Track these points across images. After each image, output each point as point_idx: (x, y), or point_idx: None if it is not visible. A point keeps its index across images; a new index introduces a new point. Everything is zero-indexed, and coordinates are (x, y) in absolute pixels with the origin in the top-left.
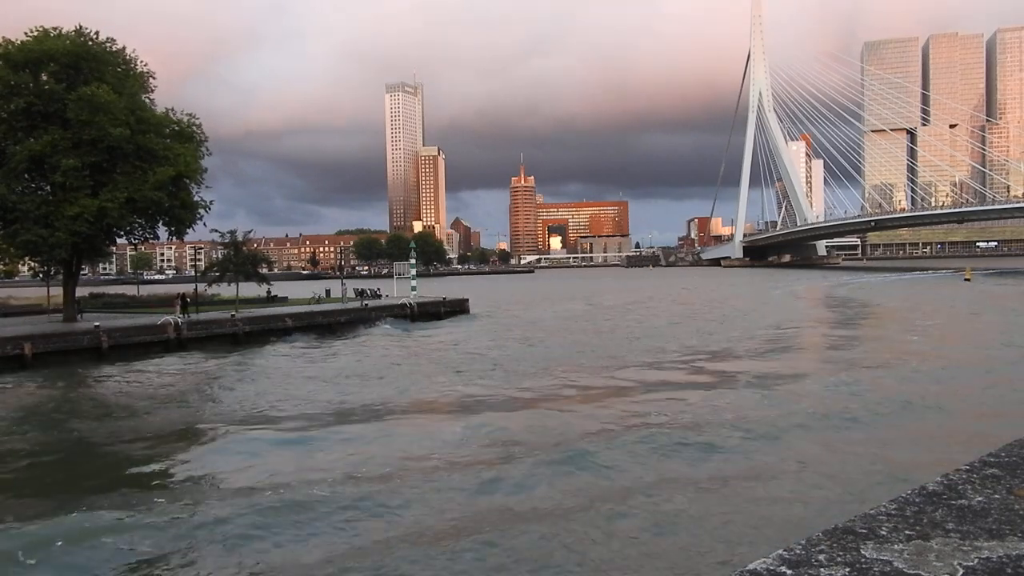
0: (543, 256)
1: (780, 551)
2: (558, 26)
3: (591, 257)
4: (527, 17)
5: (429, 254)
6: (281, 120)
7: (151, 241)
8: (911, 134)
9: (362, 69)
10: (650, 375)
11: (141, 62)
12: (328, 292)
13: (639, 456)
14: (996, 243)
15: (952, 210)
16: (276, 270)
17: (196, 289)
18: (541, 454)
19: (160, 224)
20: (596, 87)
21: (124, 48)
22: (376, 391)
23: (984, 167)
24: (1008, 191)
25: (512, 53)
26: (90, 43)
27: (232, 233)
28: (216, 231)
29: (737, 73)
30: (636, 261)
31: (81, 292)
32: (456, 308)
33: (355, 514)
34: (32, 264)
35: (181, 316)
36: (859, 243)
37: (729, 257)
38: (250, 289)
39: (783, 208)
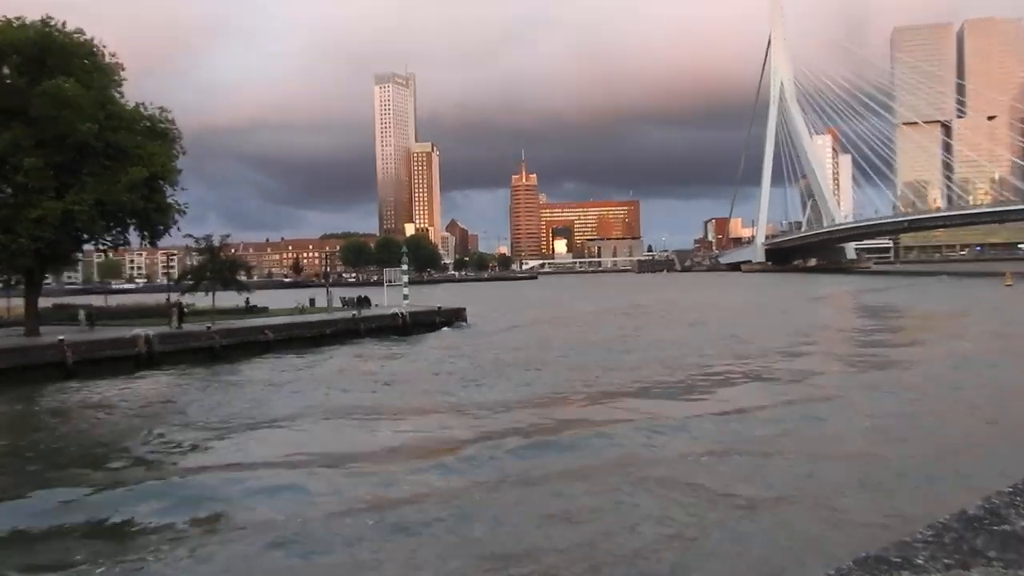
0: (547, 261)
1: None
2: (539, 12)
3: (599, 262)
4: (505, 3)
5: (422, 259)
6: (250, 116)
7: (122, 247)
8: (946, 127)
9: (336, 61)
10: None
11: (109, 52)
12: (312, 301)
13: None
14: None
15: (992, 209)
16: (256, 277)
17: (168, 299)
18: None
19: (132, 228)
20: (585, 80)
21: (92, 39)
22: (370, 415)
23: None
24: None
25: (491, 43)
26: (56, 33)
27: (208, 238)
28: (190, 236)
29: (750, 62)
30: (648, 266)
31: (44, 303)
32: (452, 318)
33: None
34: None
35: (178, 326)
36: (891, 245)
37: (750, 261)
38: (228, 299)
39: (808, 208)
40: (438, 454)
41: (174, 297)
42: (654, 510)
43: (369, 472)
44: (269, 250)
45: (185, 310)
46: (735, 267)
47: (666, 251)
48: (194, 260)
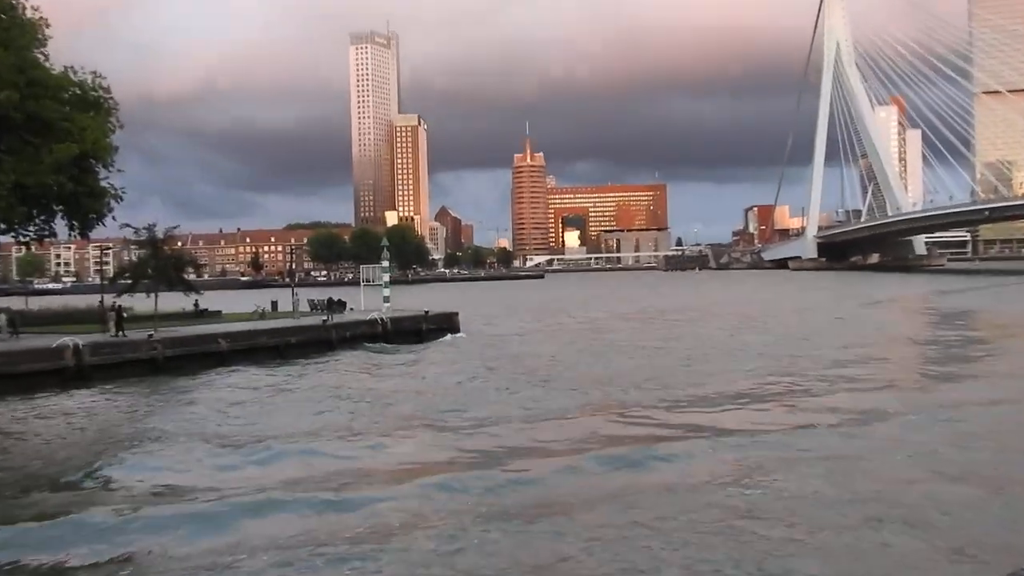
0: (556, 257)
1: None
2: None
3: (618, 258)
4: None
5: (407, 254)
6: (199, 84)
7: (46, 240)
8: None
9: (304, 17)
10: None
11: (31, 6)
12: (275, 305)
13: None
14: None
15: None
16: (208, 276)
17: (103, 301)
18: None
19: (59, 217)
20: (600, 41)
21: None
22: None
23: None
24: None
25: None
26: None
27: (150, 229)
28: (128, 226)
29: (800, 18)
30: (677, 263)
31: None
32: (442, 325)
33: None
34: None
35: (117, 334)
36: (968, 238)
37: (799, 257)
38: (173, 301)
39: (869, 194)
40: (412, 485)
41: (110, 299)
42: (671, 554)
43: (327, 508)
44: (223, 243)
45: (124, 314)
46: (781, 264)
47: (698, 245)
48: (133, 255)
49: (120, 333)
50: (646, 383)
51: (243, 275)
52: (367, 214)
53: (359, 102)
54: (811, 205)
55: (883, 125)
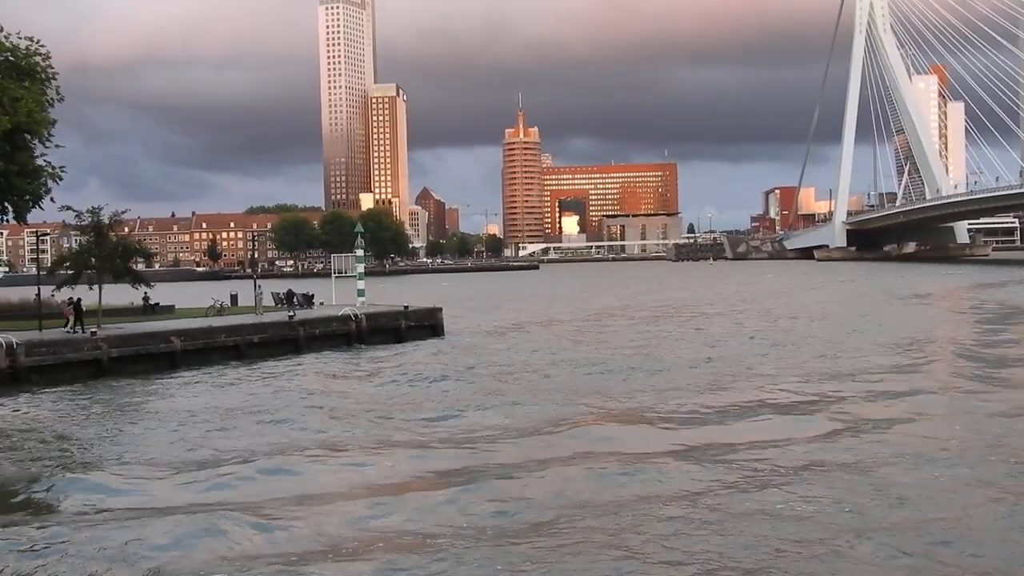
0: (552, 245)
1: None
2: None
3: (622, 246)
4: None
5: (384, 242)
6: (144, 48)
7: None
8: None
9: None
10: None
11: None
12: (235, 298)
13: None
14: None
15: None
16: (159, 266)
17: (39, 294)
18: None
19: None
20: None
21: None
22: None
23: None
24: None
25: None
26: None
27: (94, 213)
28: (69, 209)
29: None
30: (688, 252)
31: None
32: (424, 322)
33: None
34: None
35: (76, 330)
36: (1017, 225)
37: (827, 246)
38: (120, 294)
39: (905, 174)
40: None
41: (47, 292)
42: None
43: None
44: (176, 229)
45: (83, 309)
46: (806, 254)
47: (713, 232)
48: (74, 242)
49: (78, 329)
50: (642, 392)
51: (199, 265)
52: (339, 196)
53: (329, 70)
54: (840, 187)
55: (922, 97)
